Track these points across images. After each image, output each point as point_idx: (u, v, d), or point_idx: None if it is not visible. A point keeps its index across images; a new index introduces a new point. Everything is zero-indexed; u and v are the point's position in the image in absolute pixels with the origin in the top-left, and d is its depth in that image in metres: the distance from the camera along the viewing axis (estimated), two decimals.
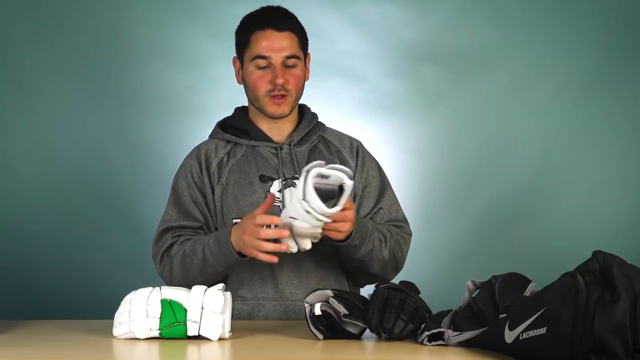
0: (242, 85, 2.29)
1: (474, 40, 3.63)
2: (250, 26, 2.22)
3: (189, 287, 1.81)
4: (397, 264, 2.24)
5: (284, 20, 2.22)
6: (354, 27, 3.62)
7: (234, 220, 2.18)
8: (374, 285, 1.80)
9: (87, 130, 3.53)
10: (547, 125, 3.63)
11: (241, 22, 2.27)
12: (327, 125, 2.38)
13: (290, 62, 2.20)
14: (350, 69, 3.62)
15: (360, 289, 2.35)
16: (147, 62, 3.56)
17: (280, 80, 2.17)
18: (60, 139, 3.52)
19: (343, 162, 2.27)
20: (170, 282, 2.15)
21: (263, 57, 2.18)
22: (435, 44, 3.63)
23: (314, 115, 2.34)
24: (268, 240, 1.94)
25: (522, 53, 3.63)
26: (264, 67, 2.19)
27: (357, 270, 2.22)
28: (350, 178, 1.84)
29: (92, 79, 3.54)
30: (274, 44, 2.18)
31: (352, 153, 2.31)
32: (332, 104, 3.54)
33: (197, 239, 2.14)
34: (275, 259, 1.96)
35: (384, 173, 2.34)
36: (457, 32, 3.63)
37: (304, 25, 2.27)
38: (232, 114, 2.35)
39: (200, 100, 3.51)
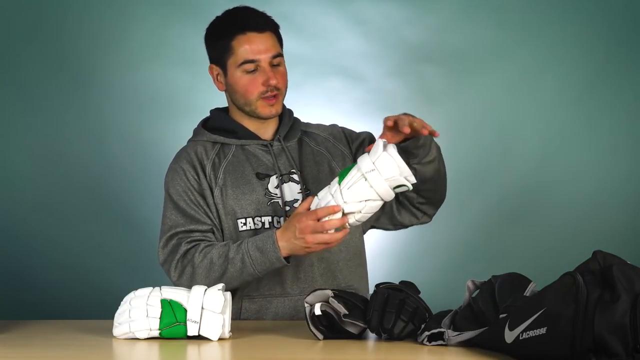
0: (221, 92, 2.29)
1: (475, 40, 3.63)
2: (228, 31, 2.20)
3: None
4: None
5: (262, 20, 2.21)
6: (354, 26, 3.61)
7: (239, 220, 2.18)
8: (374, 285, 1.80)
9: (87, 130, 3.54)
10: (547, 125, 3.63)
11: (213, 28, 2.25)
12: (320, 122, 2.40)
13: (276, 61, 2.19)
14: (350, 69, 3.62)
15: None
16: (147, 62, 3.56)
17: (273, 81, 2.17)
18: (60, 139, 3.52)
19: (331, 150, 2.29)
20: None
21: (251, 62, 2.17)
22: (435, 43, 3.63)
23: (290, 111, 2.34)
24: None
25: (523, 53, 3.63)
26: (252, 71, 2.18)
27: (433, 174, 2.15)
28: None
29: (92, 79, 3.54)
30: (260, 47, 2.17)
31: (338, 137, 2.33)
32: (332, 104, 3.54)
33: (224, 247, 2.11)
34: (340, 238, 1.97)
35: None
36: (457, 32, 3.63)
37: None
38: (212, 115, 2.33)
39: (200, 100, 3.49)
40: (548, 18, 3.63)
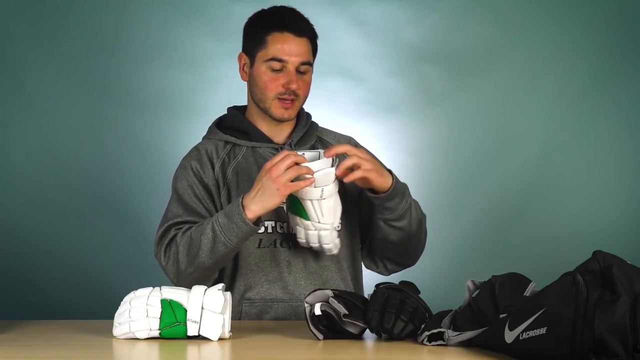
0: (243, 83, 2.27)
1: (475, 40, 3.63)
2: (267, 25, 2.19)
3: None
4: (425, 236, 2.26)
5: (302, 25, 2.20)
6: (354, 26, 3.62)
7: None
8: (374, 285, 1.80)
9: (87, 130, 3.54)
10: (547, 125, 3.63)
11: (255, 19, 2.24)
12: (325, 125, 2.38)
13: (303, 68, 2.18)
14: (350, 69, 3.62)
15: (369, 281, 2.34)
16: (147, 62, 3.56)
17: (294, 86, 2.16)
18: (60, 139, 3.52)
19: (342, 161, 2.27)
20: (177, 273, 2.09)
21: (279, 60, 2.16)
22: (435, 43, 3.64)
23: (309, 115, 2.33)
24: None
25: (523, 53, 3.63)
26: (277, 70, 2.17)
27: (397, 240, 2.18)
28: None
29: (93, 79, 3.54)
30: (292, 49, 2.16)
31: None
32: (332, 104, 3.55)
33: (201, 222, 2.10)
34: (312, 180, 1.97)
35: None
36: (457, 32, 3.64)
37: None
38: (227, 114, 2.32)
39: (200, 100, 3.51)
40: (548, 19, 3.63)
